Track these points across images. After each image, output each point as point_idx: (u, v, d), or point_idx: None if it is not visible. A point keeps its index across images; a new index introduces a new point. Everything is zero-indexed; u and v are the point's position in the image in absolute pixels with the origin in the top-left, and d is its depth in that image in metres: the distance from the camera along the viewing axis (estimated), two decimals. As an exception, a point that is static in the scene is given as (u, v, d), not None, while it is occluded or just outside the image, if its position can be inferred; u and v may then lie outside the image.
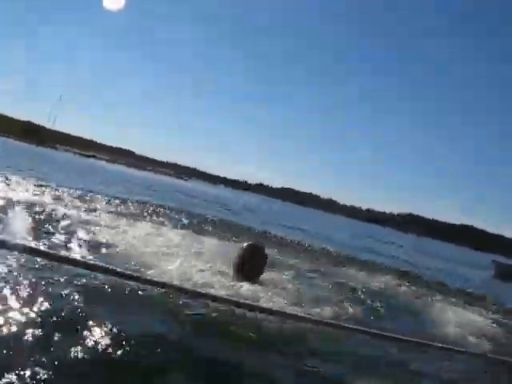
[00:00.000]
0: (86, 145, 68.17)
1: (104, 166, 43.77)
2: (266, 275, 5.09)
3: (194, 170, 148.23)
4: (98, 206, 8.62)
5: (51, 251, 2.49)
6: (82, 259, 2.46)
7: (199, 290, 2.92)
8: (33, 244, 4.02)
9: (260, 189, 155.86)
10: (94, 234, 5.63)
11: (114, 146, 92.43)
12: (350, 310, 4.83)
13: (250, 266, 4.82)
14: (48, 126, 64.26)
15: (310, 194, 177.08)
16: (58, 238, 4.95)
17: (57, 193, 9.16)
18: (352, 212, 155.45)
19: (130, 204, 10.17)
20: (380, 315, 5.18)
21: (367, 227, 64.84)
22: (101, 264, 2.41)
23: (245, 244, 5.08)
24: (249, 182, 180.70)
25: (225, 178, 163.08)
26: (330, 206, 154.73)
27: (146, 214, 9.34)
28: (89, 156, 56.87)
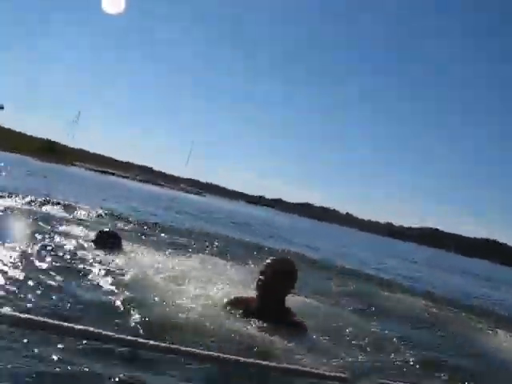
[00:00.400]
0: (104, 161, 68.34)
1: (125, 183, 43.55)
2: (292, 300, 3.99)
3: (211, 184, 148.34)
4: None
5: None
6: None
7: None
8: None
9: (277, 203, 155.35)
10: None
11: (131, 161, 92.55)
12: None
13: (274, 286, 3.66)
14: (66, 143, 64.96)
15: (328, 208, 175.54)
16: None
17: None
18: (371, 226, 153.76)
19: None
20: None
21: (388, 242, 63.73)
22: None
23: (270, 259, 3.84)
24: (266, 196, 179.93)
25: (241, 194, 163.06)
26: (348, 220, 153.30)
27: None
28: (108, 173, 56.94)
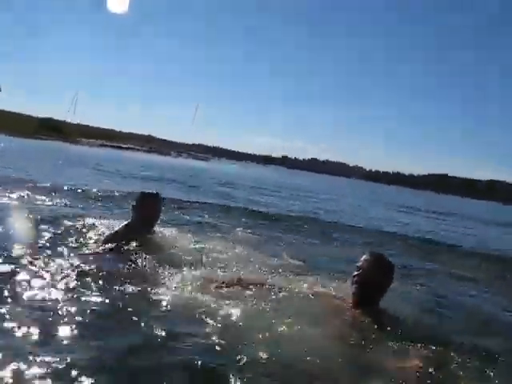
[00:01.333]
0: (107, 135, 66.92)
1: (133, 156, 42.35)
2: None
3: (216, 148, 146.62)
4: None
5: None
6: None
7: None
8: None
9: (285, 161, 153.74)
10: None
11: (133, 132, 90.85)
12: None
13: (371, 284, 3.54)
14: (68, 119, 63.40)
15: (338, 162, 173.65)
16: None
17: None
18: (376, 176, 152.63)
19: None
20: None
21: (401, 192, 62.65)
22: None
23: (368, 254, 3.66)
24: (272, 155, 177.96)
25: (247, 154, 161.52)
26: (357, 172, 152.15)
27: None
28: (113, 147, 55.74)
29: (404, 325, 3.43)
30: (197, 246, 4.86)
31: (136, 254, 4.09)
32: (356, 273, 3.53)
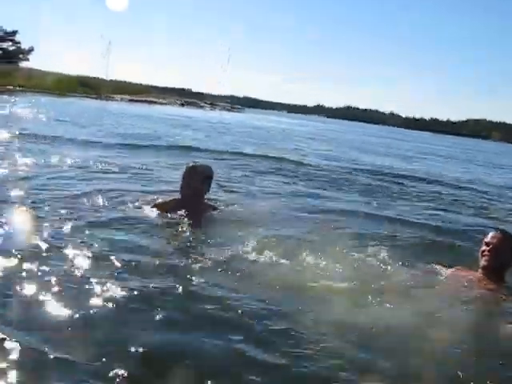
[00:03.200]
0: (142, 90, 66.14)
1: (168, 110, 41.85)
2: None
3: (248, 98, 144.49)
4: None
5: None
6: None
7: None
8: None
9: (320, 110, 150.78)
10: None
11: (168, 86, 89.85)
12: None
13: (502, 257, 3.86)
14: (100, 76, 62.77)
15: (371, 110, 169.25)
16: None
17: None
18: (413, 123, 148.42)
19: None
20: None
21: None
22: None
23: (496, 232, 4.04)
24: (307, 104, 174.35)
25: (280, 104, 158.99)
26: (395, 120, 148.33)
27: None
28: (148, 102, 55.13)
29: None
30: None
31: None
32: (485, 247, 3.89)
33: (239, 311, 2.82)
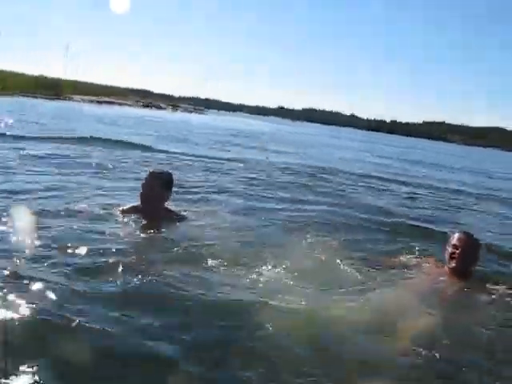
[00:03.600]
0: (105, 91, 64.86)
1: (130, 111, 41.26)
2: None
3: (211, 100, 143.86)
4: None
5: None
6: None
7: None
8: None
9: (281, 112, 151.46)
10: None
11: (130, 87, 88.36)
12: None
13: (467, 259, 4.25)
14: (62, 76, 61.13)
15: (331, 111, 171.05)
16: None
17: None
18: (376, 125, 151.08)
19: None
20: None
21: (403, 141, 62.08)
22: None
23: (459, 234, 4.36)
24: (269, 106, 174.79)
25: (242, 105, 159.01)
26: (354, 121, 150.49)
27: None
28: (109, 102, 54.12)
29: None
30: None
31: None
32: (454, 250, 4.17)
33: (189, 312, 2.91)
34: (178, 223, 4.73)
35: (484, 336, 3.23)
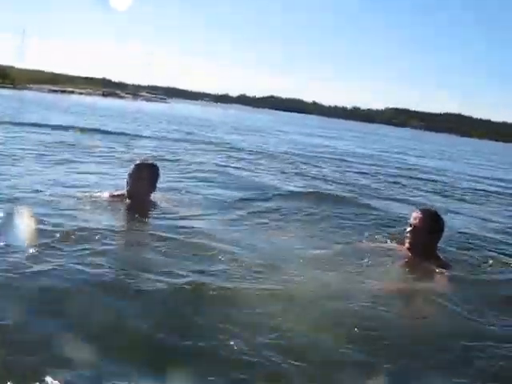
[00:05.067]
0: (60, 80, 63.20)
1: (91, 100, 40.39)
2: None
3: (173, 89, 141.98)
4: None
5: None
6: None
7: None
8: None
9: (243, 100, 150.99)
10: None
11: (87, 76, 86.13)
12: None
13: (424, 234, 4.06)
14: (16, 64, 59.18)
15: (294, 99, 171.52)
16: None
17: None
18: (336, 112, 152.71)
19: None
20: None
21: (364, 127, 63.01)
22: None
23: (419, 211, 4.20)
24: (230, 94, 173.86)
25: (204, 93, 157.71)
26: (315, 109, 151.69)
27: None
28: (68, 92, 52.79)
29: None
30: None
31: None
32: (408, 228, 4.04)
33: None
34: (161, 213, 4.76)
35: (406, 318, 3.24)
